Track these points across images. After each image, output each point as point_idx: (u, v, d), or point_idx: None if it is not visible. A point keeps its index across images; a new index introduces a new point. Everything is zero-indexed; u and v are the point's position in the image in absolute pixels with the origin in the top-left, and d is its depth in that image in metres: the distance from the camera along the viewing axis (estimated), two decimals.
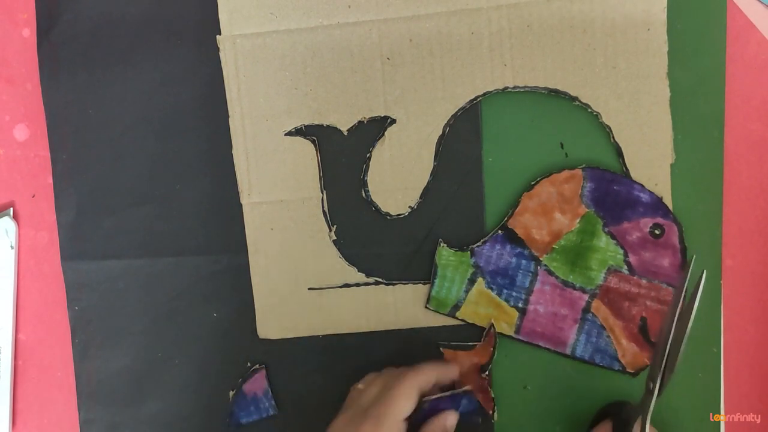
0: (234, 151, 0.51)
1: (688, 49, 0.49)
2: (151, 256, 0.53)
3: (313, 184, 0.50)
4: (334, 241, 0.50)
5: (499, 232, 0.49)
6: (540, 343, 0.49)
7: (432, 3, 0.49)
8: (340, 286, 0.50)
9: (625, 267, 0.48)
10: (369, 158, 0.49)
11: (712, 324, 0.49)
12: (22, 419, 0.56)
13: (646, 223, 0.48)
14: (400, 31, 0.49)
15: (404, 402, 0.42)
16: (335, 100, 0.50)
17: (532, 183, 0.48)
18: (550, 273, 0.49)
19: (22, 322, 0.55)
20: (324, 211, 0.50)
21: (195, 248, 0.52)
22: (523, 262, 0.49)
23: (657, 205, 0.48)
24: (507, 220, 0.49)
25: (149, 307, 0.53)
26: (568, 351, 0.49)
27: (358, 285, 0.50)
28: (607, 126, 0.48)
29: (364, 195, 0.50)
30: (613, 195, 0.48)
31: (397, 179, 0.49)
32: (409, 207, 0.49)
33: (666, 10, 0.47)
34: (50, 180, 0.54)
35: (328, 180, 0.50)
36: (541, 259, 0.48)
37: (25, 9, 0.55)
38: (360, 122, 0.49)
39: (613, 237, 0.48)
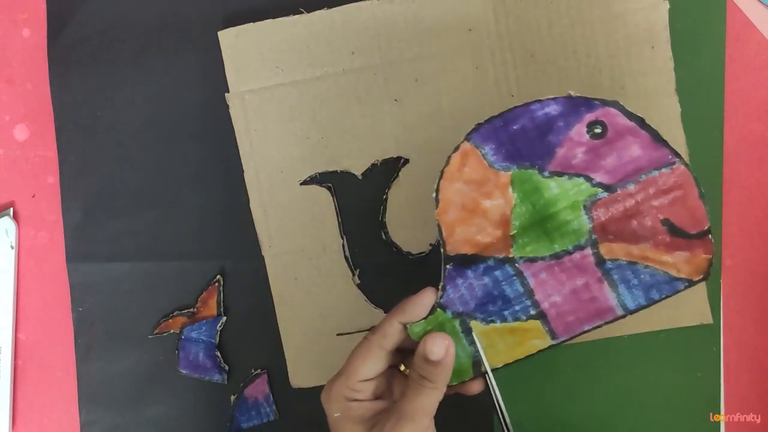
0: (252, 205, 0.51)
1: (688, 49, 0.49)
2: (156, 260, 0.54)
3: (332, 230, 0.51)
4: (358, 285, 0.51)
5: (448, 267, 0.41)
6: (585, 328, 0.41)
7: (434, 41, 0.48)
8: (368, 329, 0.50)
9: (600, 190, 0.39)
10: (386, 200, 0.50)
11: (712, 324, 0.49)
12: (22, 419, 0.56)
13: (579, 131, 0.39)
14: (405, 72, 0.49)
15: (358, 363, 0.39)
16: (347, 146, 0.50)
17: (434, 195, 0.41)
18: (533, 260, 0.40)
19: (22, 322, 0.56)
20: (346, 257, 0.50)
21: (200, 253, 0.53)
22: (497, 273, 0.40)
23: (572, 105, 0.39)
24: (443, 250, 0.41)
25: (153, 310, 0.54)
26: (620, 312, 0.40)
27: None
28: None
29: (384, 236, 0.50)
30: (520, 136, 0.39)
31: (416, 218, 0.50)
32: (430, 245, 0.50)
33: (668, 27, 0.47)
34: (51, 180, 0.55)
35: (347, 225, 0.51)
36: (511, 256, 0.40)
37: (25, 9, 0.55)
38: (374, 165, 0.50)
39: (559, 174, 0.39)
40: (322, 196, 0.50)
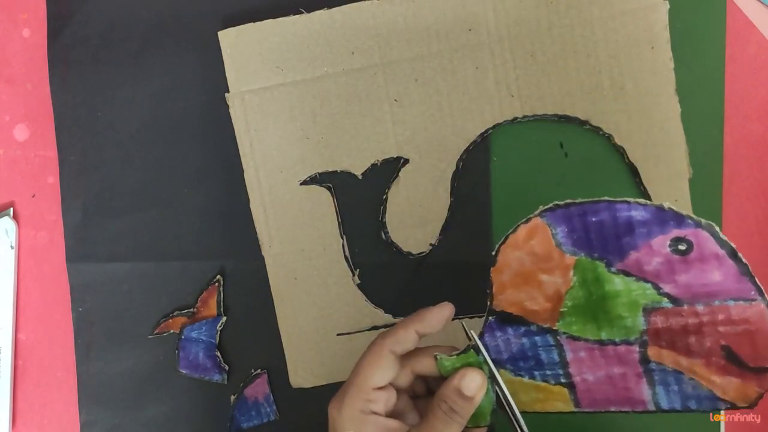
0: (252, 205, 0.51)
1: (688, 49, 0.49)
2: (156, 260, 0.54)
3: (332, 230, 0.51)
4: (358, 285, 0.51)
5: (490, 318, 0.40)
6: (612, 409, 0.40)
7: (434, 42, 0.48)
8: (369, 329, 0.51)
9: (666, 300, 0.37)
10: (386, 200, 0.50)
11: None
12: (22, 419, 0.56)
13: (661, 242, 0.36)
14: (405, 72, 0.49)
15: (370, 370, 0.38)
16: (347, 146, 0.50)
17: (493, 253, 0.39)
18: (576, 339, 0.39)
19: (22, 322, 0.56)
20: (346, 256, 0.51)
21: (200, 253, 0.53)
22: (537, 338, 0.39)
23: (662, 218, 0.36)
24: (489, 303, 0.40)
25: (153, 310, 0.54)
26: (651, 408, 0.39)
27: (386, 326, 0.51)
28: (621, 147, 0.48)
29: (383, 236, 0.50)
30: (596, 228, 0.37)
31: (415, 218, 0.50)
32: (430, 244, 0.50)
33: (668, 27, 0.47)
34: (50, 180, 0.55)
35: (347, 225, 0.51)
36: (555, 328, 0.39)
37: (25, 9, 0.55)
38: (373, 165, 0.50)
39: (627, 274, 0.37)
40: (322, 196, 0.50)
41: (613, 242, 0.37)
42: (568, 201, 0.37)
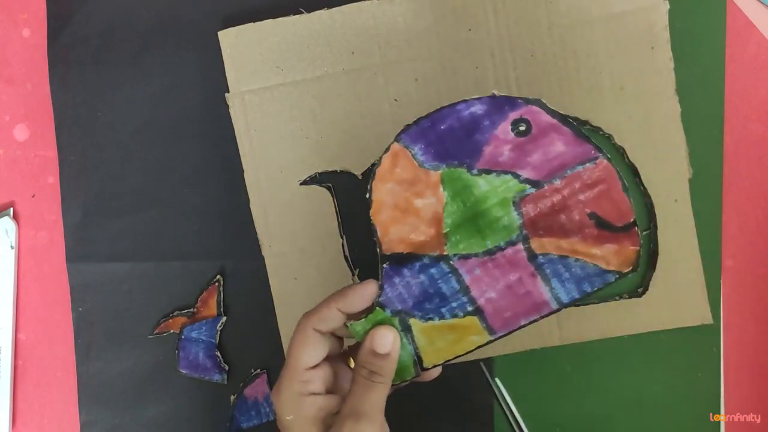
0: (252, 205, 0.51)
1: (688, 49, 0.49)
2: (156, 260, 0.54)
3: (332, 230, 0.51)
4: None
5: (384, 265, 0.41)
6: (522, 322, 0.41)
7: (434, 42, 0.48)
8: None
9: (528, 186, 0.40)
10: None
11: (712, 324, 0.48)
12: (22, 419, 0.56)
13: (505, 129, 0.40)
14: (405, 72, 0.49)
15: (298, 350, 0.38)
16: (347, 146, 0.50)
17: (367, 196, 0.42)
18: (466, 257, 0.41)
19: (22, 322, 0.56)
20: (345, 256, 0.51)
21: (200, 253, 0.53)
22: (433, 270, 0.41)
23: (496, 105, 0.40)
24: (379, 250, 0.41)
25: (153, 310, 0.54)
26: (554, 306, 0.40)
27: None
28: (620, 147, 0.48)
29: None
30: (448, 135, 0.40)
31: None
32: None
33: (668, 27, 0.47)
34: (50, 180, 0.55)
35: (347, 225, 0.51)
36: (445, 253, 0.41)
37: (25, 9, 0.55)
38: (374, 165, 0.49)
39: (487, 172, 0.40)
40: (322, 196, 0.50)
41: (466, 143, 0.40)
42: (417, 117, 0.40)
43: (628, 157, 0.48)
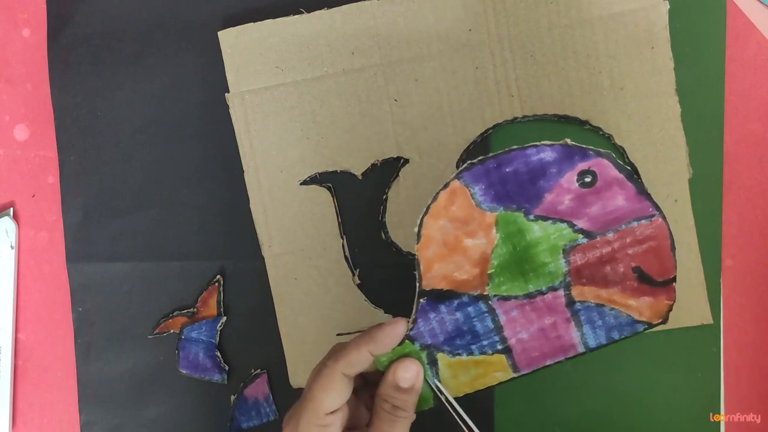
0: (252, 205, 0.51)
1: (688, 49, 0.49)
2: (156, 260, 0.54)
3: (332, 230, 0.51)
4: (358, 285, 0.51)
5: (421, 301, 0.40)
6: (547, 363, 0.42)
7: (434, 41, 0.48)
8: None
9: (581, 236, 0.40)
10: (386, 200, 0.50)
11: (712, 324, 0.49)
12: (22, 419, 0.56)
13: (570, 179, 0.39)
14: (405, 72, 0.49)
15: (323, 395, 0.37)
16: (347, 146, 0.50)
17: (416, 230, 0.40)
18: (506, 299, 0.40)
19: (22, 322, 0.56)
20: (346, 257, 0.50)
21: (200, 253, 0.53)
22: (470, 309, 0.40)
23: (566, 153, 0.39)
24: (419, 285, 0.40)
25: (153, 310, 0.54)
26: (581, 349, 0.41)
27: None
28: (620, 147, 0.48)
29: (384, 236, 0.50)
30: (511, 179, 0.39)
31: (416, 218, 0.49)
32: None
33: (668, 27, 0.47)
34: (51, 180, 0.55)
35: (347, 225, 0.51)
36: (485, 293, 0.40)
37: (25, 9, 0.55)
38: (373, 165, 0.50)
39: (544, 218, 0.40)
40: (322, 196, 0.50)
41: (528, 188, 0.39)
42: (482, 156, 0.39)
43: (628, 157, 0.48)
